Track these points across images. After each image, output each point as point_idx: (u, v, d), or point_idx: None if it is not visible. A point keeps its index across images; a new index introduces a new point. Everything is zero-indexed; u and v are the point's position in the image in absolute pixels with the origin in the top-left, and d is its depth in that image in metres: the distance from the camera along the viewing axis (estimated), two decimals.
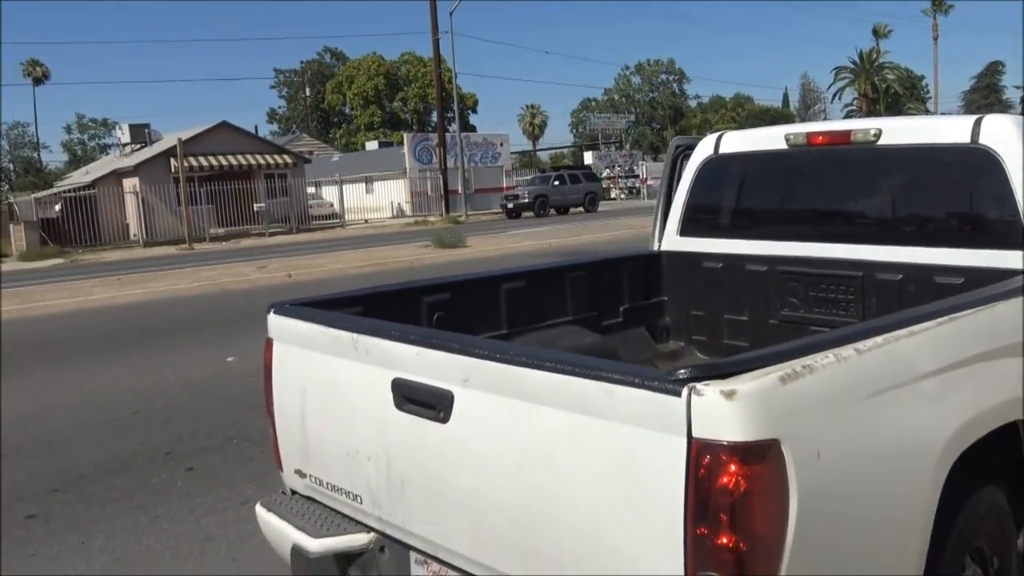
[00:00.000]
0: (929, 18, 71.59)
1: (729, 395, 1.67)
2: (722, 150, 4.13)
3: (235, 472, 5.19)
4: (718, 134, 4.23)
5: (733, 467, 1.67)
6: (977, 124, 3.27)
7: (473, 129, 60.13)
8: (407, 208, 42.59)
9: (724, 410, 1.67)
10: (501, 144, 47.59)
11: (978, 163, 3.26)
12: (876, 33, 74.06)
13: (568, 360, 1.97)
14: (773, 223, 4.06)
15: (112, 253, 28.67)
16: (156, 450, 5.70)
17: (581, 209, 38.44)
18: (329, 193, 42.54)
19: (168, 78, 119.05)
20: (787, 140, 3.85)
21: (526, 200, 37.01)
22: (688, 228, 4.31)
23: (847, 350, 1.96)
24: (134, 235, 32.61)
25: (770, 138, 3.96)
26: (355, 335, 2.49)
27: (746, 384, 1.70)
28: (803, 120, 76.58)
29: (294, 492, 2.94)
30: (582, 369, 1.89)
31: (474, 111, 72.34)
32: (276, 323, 2.87)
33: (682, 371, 1.74)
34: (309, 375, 2.73)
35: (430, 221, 35.15)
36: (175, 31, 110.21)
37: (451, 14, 35.99)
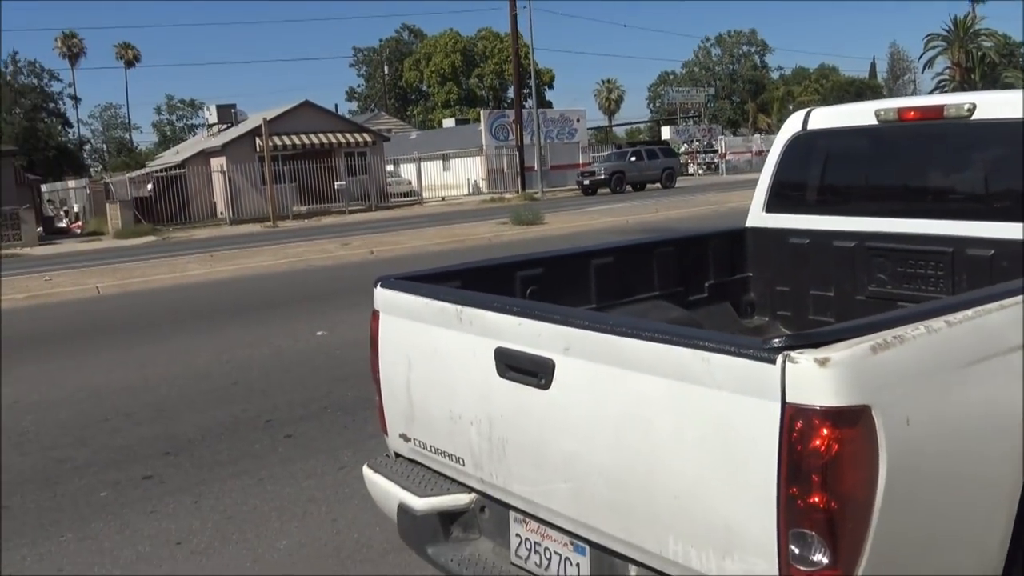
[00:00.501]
0: None
1: (822, 362, 1.76)
2: (811, 126, 4.14)
3: (331, 439, 5.47)
4: (807, 110, 4.24)
5: (825, 431, 1.76)
6: None
7: (549, 105, 59.98)
8: (483, 185, 42.91)
9: (817, 377, 1.76)
10: (578, 120, 47.39)
11: None
12: None
13: (666, 329, 2.08)
14: (862, 199, 4.06)
15: (201, 231, 29.78)
16: (256, 418, 6.03)
17: (658, 185, 38.11)
18: (407, 171, 43.17)
19: (252, 59, 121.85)
20: (878, 116, 3.84)
21: (602, 176, 36.87)
22: (775, 204, 4.34)
23: (937, 322, 2.02)
24: (221, 213, 33.78)
25: (860, 113, 3.95)
26: (459, 307, 2.65)
27: (838, 352, 1.79)
28: (891, 91, 73.87)
29: (398, 455, 3.13)
30: (680, 338, 2.00)
31: (550, 87, 72.13)
32: (382, 296, 3.05)
33: (776, 340, 1.84)
34: (414, 345, 2.90)
35: (506, 198, 35.36)
36: (257, 13, 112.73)
37: None
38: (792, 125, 4.26)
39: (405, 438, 3.04)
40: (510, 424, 2.51)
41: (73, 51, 68.89)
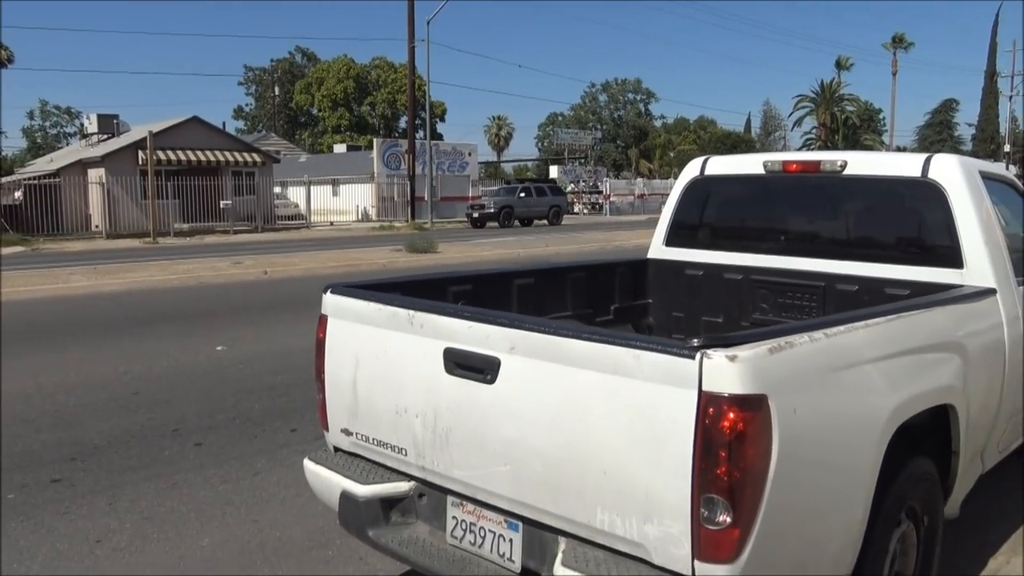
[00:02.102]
0: (889, 53, 73.97)
1: (732, 359, 2.19)
2: (708, 172, 4.69)
3: (242, 448, 5.60)
4: (704, 158, 4.80)
5: (732, 414, 2.18)
6: (927, 161, 3.87)
7: (440, 137, 60.59)
8: (373, 213, 42.85)
9: (727, 370, 2.19)
10: (469, 154, 48.11)
11: (926, 194, 3.86)
12: (839, 65, 76.34)
13: (603, 332, 2.48)
14: (749, 238, 4.62)
15: (75, 243, 28.49)
16: (163, 427, 6.07)
17: (545, 222, 39.11)
18: (295, 194, 42.61)
19: (136, 70, 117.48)
20: (765, 166, 4.42)
21: (491, 210, 37.56)
22: (673, 239, 4.86)
23: (818, 334, 2.50)
24: (96, 226, 32.41)
25: (751, 163, 4.53)
26: (411, 312, 2.96)
27: (744, 351, 2.22)
28: (763, 146, 78.43)
29: (337, 449, 3.39)
30: (615, 339, 2.40)
31: (442, 119, 72.86)
32: (332, 301, 3.32)
33: (695, 340, 2.26)
34: (363, 346, 3.18)
35: (396, 227, 35.51)
36: (144, 23, 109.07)
37: (428, 23, 36.48)
38: (691, 169, 4.80)
39: (347, 432, 3.30)
40: (455, 416, 2.84)
41: None
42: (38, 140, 71.76)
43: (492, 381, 2.68)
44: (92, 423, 6.17)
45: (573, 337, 2.48)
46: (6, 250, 25.19)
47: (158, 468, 5.22)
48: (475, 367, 2.72)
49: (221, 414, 6.40)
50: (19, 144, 73.32)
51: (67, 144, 55.20)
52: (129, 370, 7.94)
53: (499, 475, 2.72)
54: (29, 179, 34.18)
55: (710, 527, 2.22)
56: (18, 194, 33.20)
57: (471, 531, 2.88)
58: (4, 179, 36.39)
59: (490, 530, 2.82)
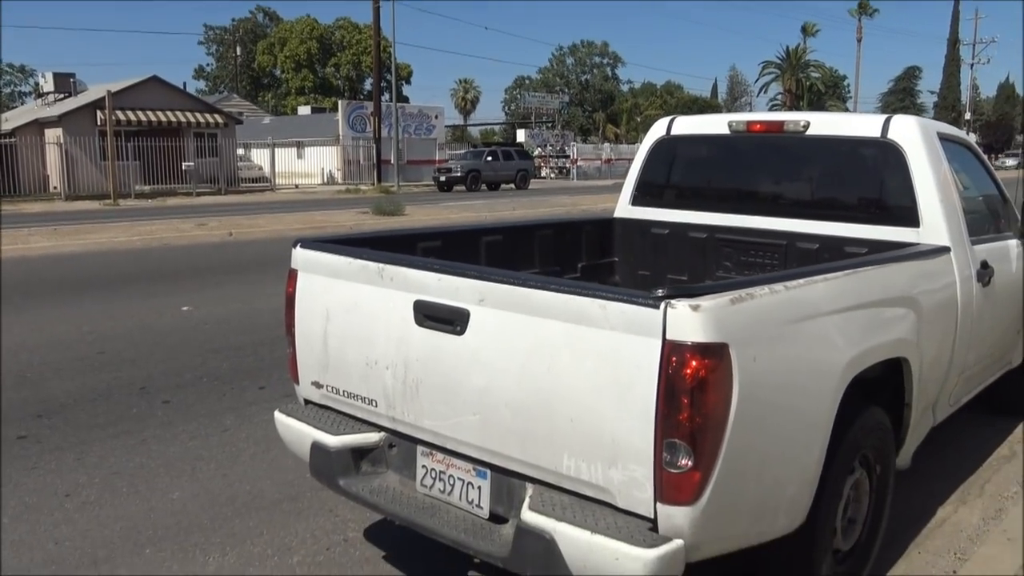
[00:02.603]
0: (855, 20, 74.39)
1: (695, 308, 2.26)
2: (674, 132, 4.75)
3: (211, 405, 5.61)
4: (671, 118, 4.84)
5: (695, 362, 2.26)
6: (887, 121, 3.96)
7: (407, 100, 59.94)
8: (338, 176, 42.43)
9: (690, 319, 2.26)
10: (436, 117, 47.71)
11: (885, 154, 3.95)
12: (805, 31, 76.65)
13: (569, 284, 2.54)
14: (714, 197, 4.70)
15: (32, 205, 27.88)
16: (130, 385, 6.05)
17: (512, 186, 39.04)
18: (259, 156, 41.99)
19: (92, 27, 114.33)
20: (730, 126, 4.48)
21: (459, 174, 37.39)
22: (639, 199, 4.92)
23: (778, 287, 2.58)
24: (54, 188, 31.72)
25: (716, 123, 4.59)
26: (381, 265, 2.99)
27: (706, 301, 2.30)
28: (729, 111, 78.68)
29: (308, 402, 3.43)
30: (582, 290, 2.46)
31: (408, 82, 71.98)
32: (302, 256, 3.34)
33: (659, 291, 2.32)
34: (333, 300, 3.21)
35: (362, 190, 35.21)
36: None
37: None
38: (657, 130, 4.85)
39: (317, 385, 3.34)
40: (424, 367, 2.89)
41: None
42: None
43: (462, 332, 2.73)
44: (57, 382, 6.13)
45: (541, 288, 2.54)
46: None
47: (126, 425, 5.22)
48: (445, 319, 2.77)
49: (188, 373, 6.40)
50: None
51: (22, 103, 53.71)
52: (93, 330, 7.87)
53: (468, 424, 2.78)
54: None
55: (672, 471, 2.31)
56: None
57: (440, 479, 2.95)
58: None
59: (459, 478, 2.89)
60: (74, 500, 4.14)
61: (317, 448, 3.18)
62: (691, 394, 2.27)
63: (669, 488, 2.32)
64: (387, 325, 2.98)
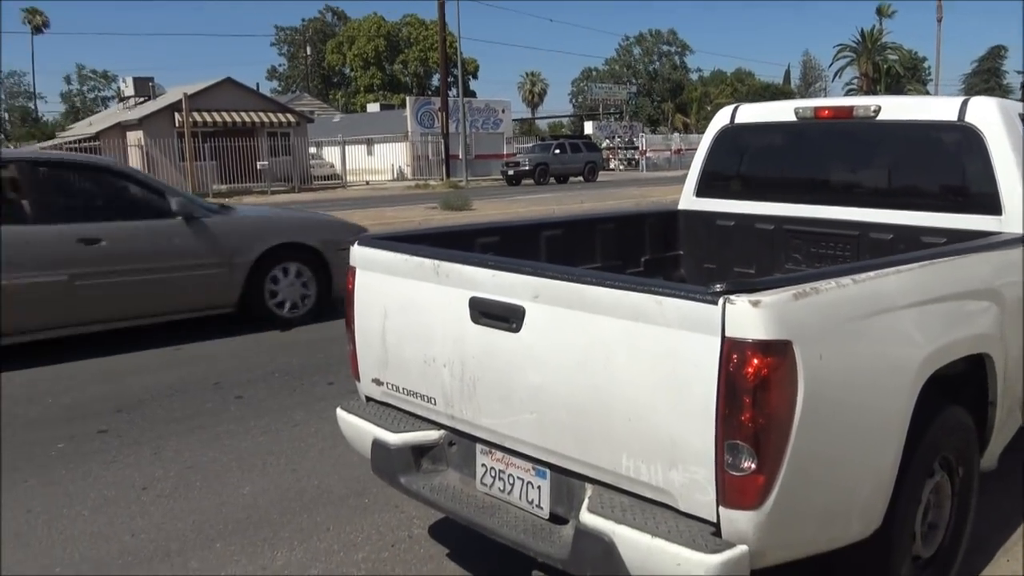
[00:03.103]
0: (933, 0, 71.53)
1: (755, 304, 2.18)
2: (738, 120, 4.62)
3: (281, 400, 5.72)
4: (735, 106, 4.72)
5: (756, 360, 2.18)
6: (964, 104, 3.76)
7: (473, 95, 60.24)
8: (408, 171, 42.89)
9: (751, 315, 2.18)
10: (503, 111, 47.81)
11: (963, 138, 3.76)
12: (880, 13, 74.06)
13: (626, 278, 2.48)
14: (781, 187, 4.56)
15: None
16: (204, 380, 6.21)
17: (580, 178, 38.82)
18: (330, 154, 42.76)
19: (169, 31, 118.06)
20: (796, 113, 4.34)
21: (526, 167, 37.34)
22: (704, 190, 4.81)
23: (846, 280, 2.48)
24: None
25: (782, 110, 4.45)
26: (436, 262, 2.98)
27: (768, 297, 2.21)
28: (803, 97, 76.74)
29: (369, 399, 3.45)
30: (638, 285, 2.40)
31: (475, 76, 72.38)
32: (360, 253, 3.35)
33: (718, 286, 2.25)
34: (390, 297, 3.22)
35: (431, 185, 35.50)
36: None
37: None
38: (721, 119, 4.73)
39: (378, 382, 3.35)
40: (481, 365, 2.87)
41: None
42: (76, 104, 72.74)
43: (517, 330, 2.70)
44: (136, 377, 6.33)
45: (596, 284, 2.48)
46: None
47: (201, 420, 5.36)
48: (500, 316, 2.74)
49: (260, 368, 6.53)
50: (58, 109, 74.41)
51: (105, 107, 55.80)
52: (171, 326, 8.10)
53: (526, 423, 2.75)
54: (70, 143, 34.70)
55: (734, 473, 2.23)
56: None
57: (500, 478, 2.93)
58: (45, 143, 36.97)
59: (519, 477, 2.86)
60: (150, 493, 4.27)
61: (378, 445, 3.20)
62: (753, 394, 2.19)
63: (732, 491, 2.25)
64: (444, 322, 2.97)
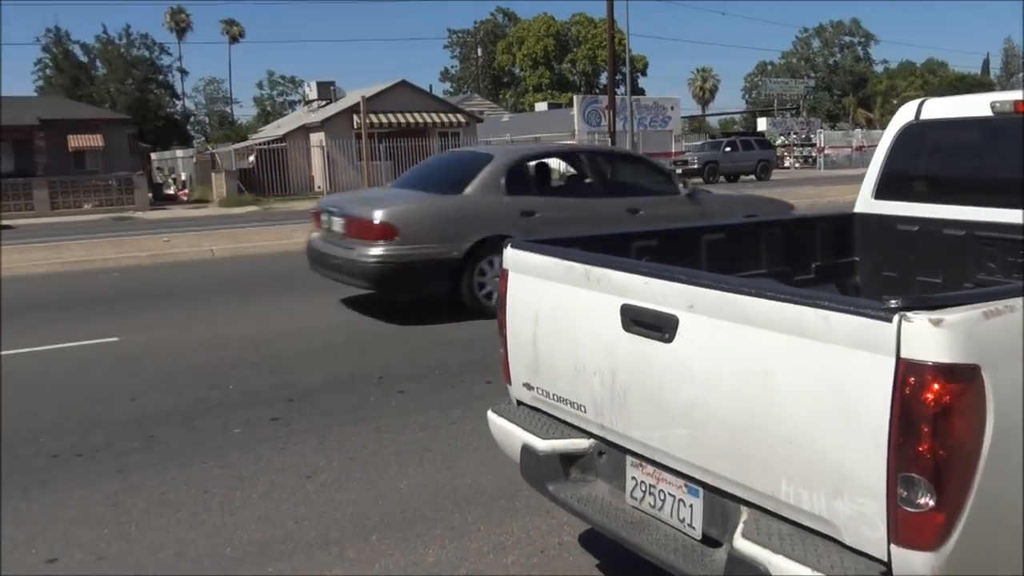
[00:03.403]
0: None
1: (936, 323, 1.96)
2: (923, 116, 4.24)
3: (441, 397, 5.83)
4: (920, 100, 4.34)
5: (937, 385, 1.96)
6: None
7: (642, 92, 59.58)
8: None
9: (931, 336, 1.96)
10: (671, 108, 46.90)
11: None
12: None
13: (789, 290, 2.31)
14: (973, 189, 4.15)
15: (300, 203, 30.70)
16: (369, 374, 6.44)
17: (752, 177, 37.52)
18: None
19: (349, 37, 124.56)
20: (993, 108, 3.93)
21: (695, 166, 36.55)
22: (883, 192, 4.46)
23: None
24: (318, 187, 34.82)
25: (975, 105, 4.04)
26: (588, 267, 2.91)
27: (952, 315, 1.98)
28: (1004, 89, 70.60)
29: (520, 403, 3.43)
30: (801, 298, 2.22)
31: (643, 73, 71.62)
32: (512, 256, 3.33)
33: (893, 301, 2.04)
34: (541, 301, 3.17)
35: None
36: None
37: None
38: (905, 115, 4.36)
39: (528, 387, 3.32)
40: (632, 375, 2.77)
41: (180, 26, 71.73)
42: (267, 108, 78.04)
43: (670, 340, 2.58)
44: (307, 368, 6.66)
45: (756, 295, 2.33)
46: (243, 210, 27.67)
47: (363, 413, 5.55)
48: (652, 325, 2.63)
49: (423, 364, 6.71)
50: (251, 112, 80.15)
51: (291, 111, 59.55)
52: (342, 320, 8.52)
53: (678, 438, 2.63)
54: (260, 144, 37.31)
55: (909, 509, 2.02)
56: (251, 158, 36.37)
57: (651, 493, 2.82)
58: (239, 145, 39.90)
59: (670, 493, 2.74)
60: (314, 482, 4.45)
61: (527, 451, 3.17)
62: (933, 423, 1.97)
63: (906, 529, 2.03)
64: (595, 329, 2.89)
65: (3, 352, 7.38)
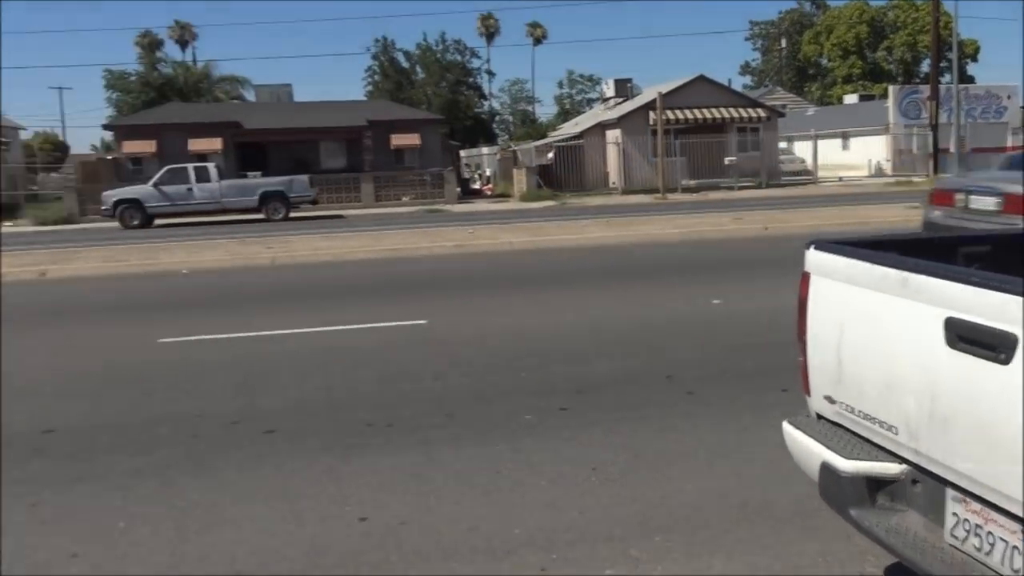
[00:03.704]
0: None
1: None
2: None
3: (731, 402, 5.63)
4: None
5: None
6: None
7: (971, 80, 53.44)
8: (887, 167, 39.69)
9: None
10: (1008, 97, 41.63)
11: None
12: None
13: None
14: None
15: (594, 199, 31.51)
16: (657, 372, 6.40)
17: None
18: (801, 149, 41.49)
19: (646, 34, 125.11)
20: None
21: None
22: None
23: None
24: (613, 183, 35.40)
25: None
26: (905, 273, 2.63)
27: None
28: None
29: (820, 416, 3.20)
30: None
31: (974, 60, 64.22)
32: (815, 258, 3.11)
33: None
34: (848, 309, 2.93)
35: (914, 182, 32.31)
36: None
37: None
38: None
39: (830, 400, 3.09)
40: (957, 397, 2.46)
41: (490, 30, 76.21)
42: (566, 106, 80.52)
43: (1006, 361, 2.25)
44: (596, 361, 6.79)
45: None
46: (540, 204, 28.90)
47: (650, 410, 5.53)
48: (984, 343, 2.31)
49: (712, 366, 6.54)
50: (552, 111, 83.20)
51: (589, 108, 60.99)
52: (632, 315, 8.58)
53: (1014, 476, 2.29)
54: (558, 141, 38.68)
55: None
56: (550, 155, 37.87)
57: (976, 534, 2.49)
58: (539, 142, 41.68)
59: (1001, 538, 2.40)
60: (599, 475, 4.51)
61: (827, 470, 2.94)
62: None
63: None
64: (911, 343, 2.61)
65: (327, 328, 8.34)
